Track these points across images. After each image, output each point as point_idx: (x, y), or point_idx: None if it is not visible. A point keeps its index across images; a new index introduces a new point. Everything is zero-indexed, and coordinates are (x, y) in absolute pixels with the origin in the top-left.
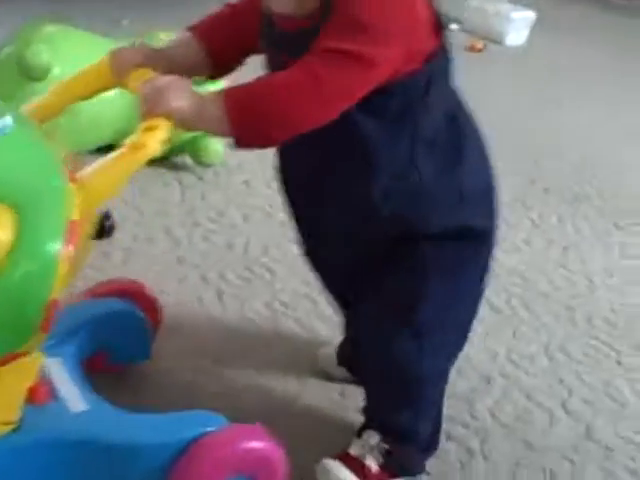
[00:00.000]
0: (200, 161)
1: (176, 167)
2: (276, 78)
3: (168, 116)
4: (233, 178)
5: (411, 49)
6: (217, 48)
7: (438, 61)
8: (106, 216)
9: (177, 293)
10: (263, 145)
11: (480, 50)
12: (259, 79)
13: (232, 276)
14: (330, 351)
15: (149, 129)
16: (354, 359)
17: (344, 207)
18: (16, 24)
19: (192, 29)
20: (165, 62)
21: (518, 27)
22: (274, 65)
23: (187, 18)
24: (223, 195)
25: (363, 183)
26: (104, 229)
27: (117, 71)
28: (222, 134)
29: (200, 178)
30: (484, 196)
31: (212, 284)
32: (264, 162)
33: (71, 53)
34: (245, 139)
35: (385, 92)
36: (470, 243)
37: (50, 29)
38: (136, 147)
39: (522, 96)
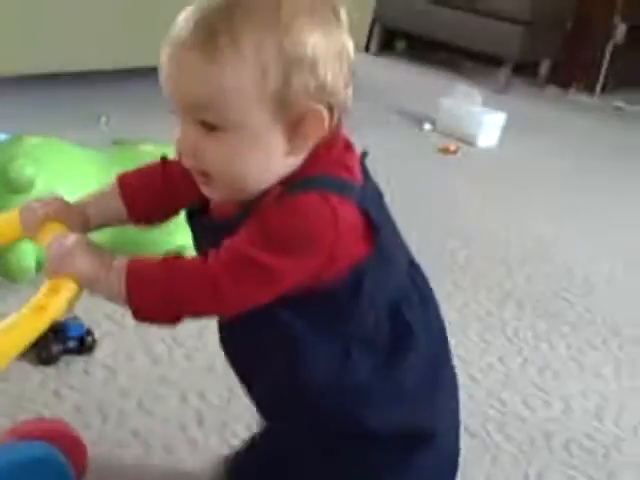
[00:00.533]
0: None
1: None
2: (181, 264)
3: (73, 278)
4: None
5: (333, 258)
6: (140, 207)
7: (369, 263)
8: (87, 332)
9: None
10: (159, 322)
11: (454, 152)
12: (165, 259)
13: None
14: None
15: (53, 290)
16: None
17: (276, 396)
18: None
19: (119, 180)
20: (78, 217)
21: (489, 129)
22: (200, 242)
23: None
24: None
25: (294, 378)
26: (85, 345)
27: (26, 225)
28: (122, 304)
29: None
30: (429, 397)
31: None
32: None
33: (55, 165)
34: (142, 314)
35: (310, 295)
36: (416, 445)
37: (33, 141)
38: (38, 309)
39: (492, 201)
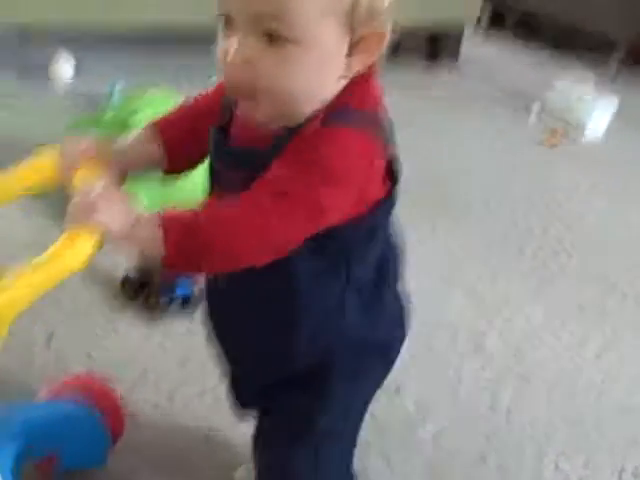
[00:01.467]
0: None
1: None
2: (222, 209)
3: (94, 230)
4: None
5: (362, 198)
6: (175, 147)
7: (383, 208)
8: (194, 291)
9: None
10: (191, 272)
11: (560, 137)
12: (202, 206)
13: None
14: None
15: (70, 240)
16: None
17: (263, 338)
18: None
19: (154, 124)
20: (116, 159)
21: (600, 115)
22: (219, 179)
23: None
24: None
25: (288, 324)
26: (190, 302)
27: (64, 166)
28: (151, 254)
29: None
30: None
31: None
32: None
33: None
34: (175, 264)
35: (325, 236)
36: (375, 352)
37: (154, 94)
38: (54, 259)
39: (598, 189)
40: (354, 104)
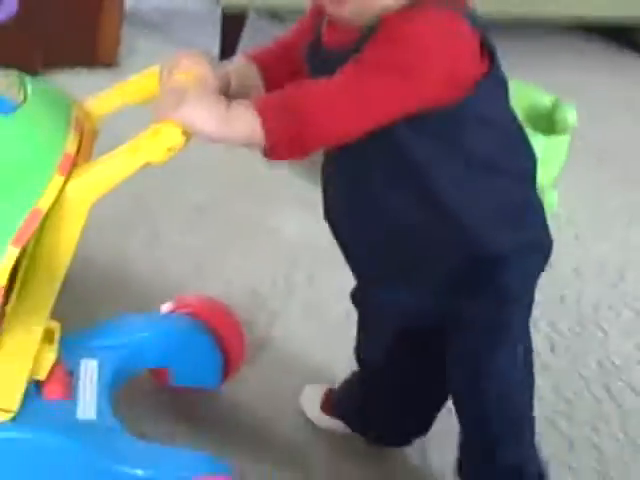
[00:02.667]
0: None
1: None
2: (311, 83)
3: (183, 123)
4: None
5: (455, 75)
6: (271, 75)
7: (486, 87)
8: None
9: None
10: (297, 155)
11: None
12: (292, 85)
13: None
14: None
15: (154, 133)
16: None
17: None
18: None
19: (248, 55)
20: (220, 77)
21: None
22: None
23: None
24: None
25: (425, 206)
26: None
27: (163, 75)
28: (251, 144)
29: None
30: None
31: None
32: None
33: None
34: (279, 148)
35: (427, 117)
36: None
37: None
38: (133, 149)
39: None
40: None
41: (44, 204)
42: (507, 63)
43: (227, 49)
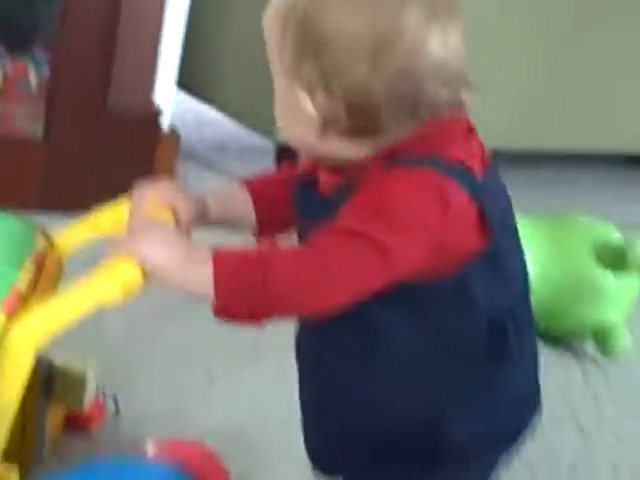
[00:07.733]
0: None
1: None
2: (278, 250)
3: (138, 261)
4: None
5: (444, 249)
6: (264, 207)
7: (479, 262)
8: None
9: None
10: (244, 322)
11: None
12: (258, 248)
13: None
14: None
15: (108, 268)
16: None
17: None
18: None
19: (244, 183)
20: (196, 204)
21: None
22: (303, 236)
23: None
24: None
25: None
26: None
27: (132, 210)
28: (201, 296)
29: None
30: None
31: None
32: None
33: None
34: (227, 312)
35: (408, 292)
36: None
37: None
38: (86, 287)
39: None
40: (423, 152)
41: None
42: (576, 198)
43: None
